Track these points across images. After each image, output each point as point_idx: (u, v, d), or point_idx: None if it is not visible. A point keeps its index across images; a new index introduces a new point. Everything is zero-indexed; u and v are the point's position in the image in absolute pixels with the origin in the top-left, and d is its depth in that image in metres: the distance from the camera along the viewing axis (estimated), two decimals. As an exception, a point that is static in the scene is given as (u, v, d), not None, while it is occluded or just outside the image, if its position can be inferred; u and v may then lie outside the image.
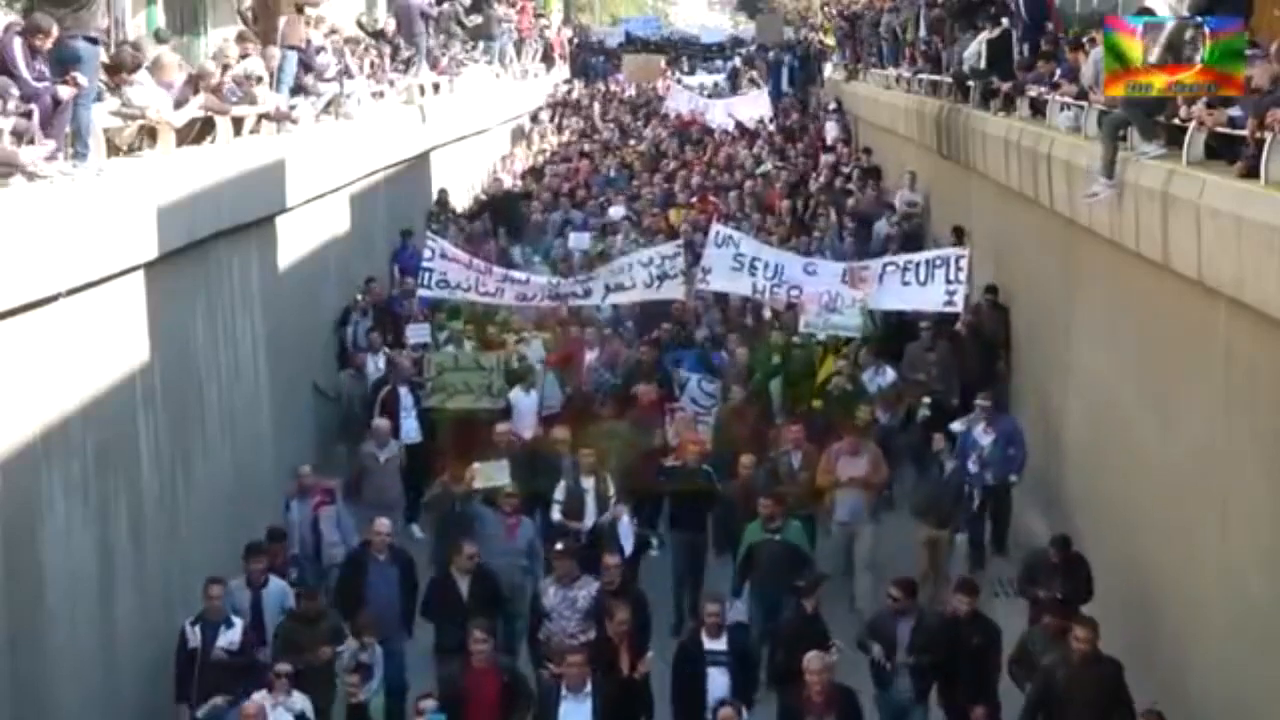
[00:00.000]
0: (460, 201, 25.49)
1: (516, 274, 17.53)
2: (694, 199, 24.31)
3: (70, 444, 10.43)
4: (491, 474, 12.83)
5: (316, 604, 11.27)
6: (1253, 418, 9.60)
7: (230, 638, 10.84)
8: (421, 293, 17.10)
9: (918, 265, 16.18)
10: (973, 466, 14.16)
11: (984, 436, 14.25)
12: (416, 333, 17.07)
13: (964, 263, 15.89)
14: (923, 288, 16.01)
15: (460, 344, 16.77)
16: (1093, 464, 13.47)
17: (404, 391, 15.48)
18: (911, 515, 13.97)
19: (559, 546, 11.51)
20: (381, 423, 14.59)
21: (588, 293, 16.98)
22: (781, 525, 12.31)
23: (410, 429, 15.29)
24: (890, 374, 16.06)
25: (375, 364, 16.70)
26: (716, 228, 17.37)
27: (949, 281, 15.82)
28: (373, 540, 11.93)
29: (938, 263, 16.08)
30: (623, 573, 11.40)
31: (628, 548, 12.46)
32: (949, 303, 15.96)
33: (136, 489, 11.55)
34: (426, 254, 16.95)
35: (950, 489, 13.79)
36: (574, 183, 26.14)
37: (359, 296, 17.91)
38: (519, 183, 27.29)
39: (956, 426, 14.65)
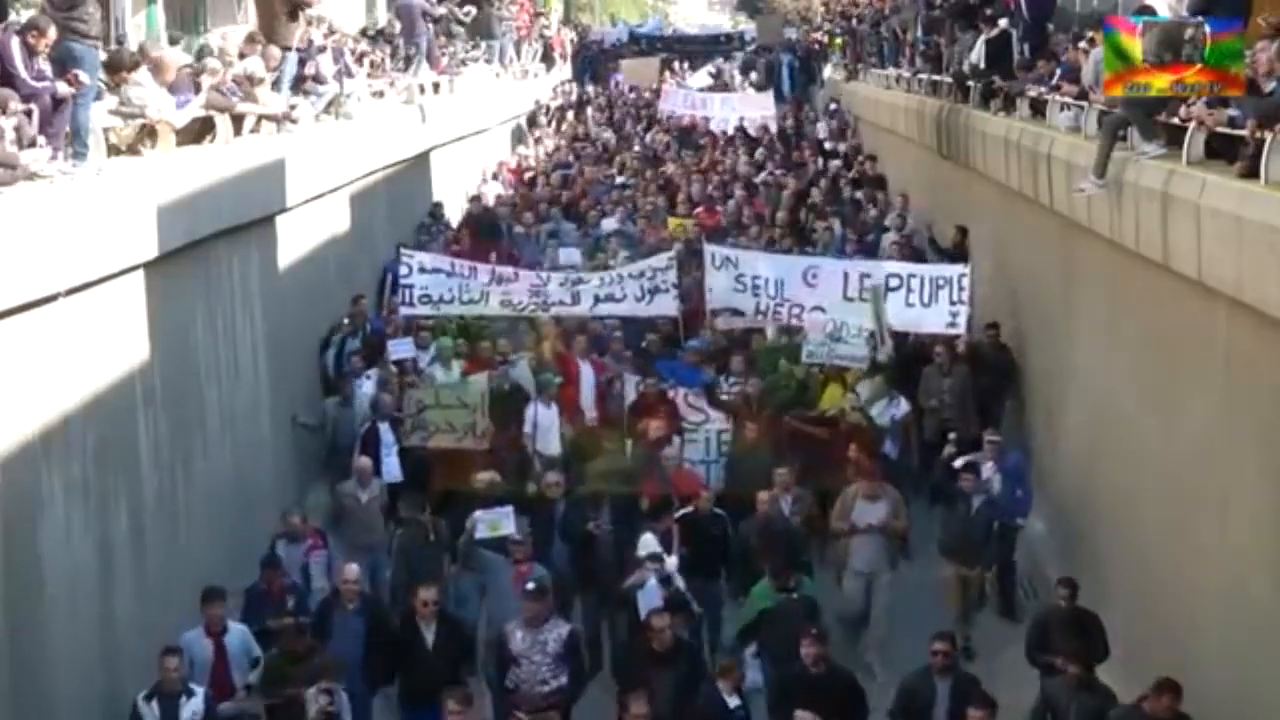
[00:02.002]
0: (455, 211, 25.14)
1: (504, 270, 16.83)
2: (695, 209, 23.29)
3: (70, 443, 10.43)
4: (496, 522, 11.85)
5: (304, 640, 10.66)
6: (1253, 418, 9.59)
7: (193, 709, 9.99)
8: (403, 310, 16.58)
9: (922, 283, 15.64)
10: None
11: (993, 475, 13.57)
12: (399, 348, 16.30)
13: (966, 281, 15.43)
14: (926, 309, 15.57)
15: (447, 363, 16.06)
16: (1092, 464, 13.46)
17: (384, 428, 14.67)
18: (940, 554, 13.26)
19: (530, 586, 10.73)
20: (364, 461, 13.83)
21: (575, 299, 16.36)
22: (796, 583, 11.59)
23: (391, 467, 14.41)
24: (904, 405, 15.33)
25: (360, 388, 15.68)
26: (711, 250, 16.81)
27: (952, 302, 15.43)
28: (341, 589, 11.35)
29: (941, 282, 15.56)
30: (674, 636, 10.57)
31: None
32: (952, 324, 15.52)
33: (136, 488, 11.55)
34: (403, 270, 16.29)
35: (979, 526, 13.06)
36: (573, 192, 25.14)
37: (345, 321, 17.03)
38: (510, 192, 26.45)
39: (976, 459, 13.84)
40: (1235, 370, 9.92)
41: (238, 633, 10.93)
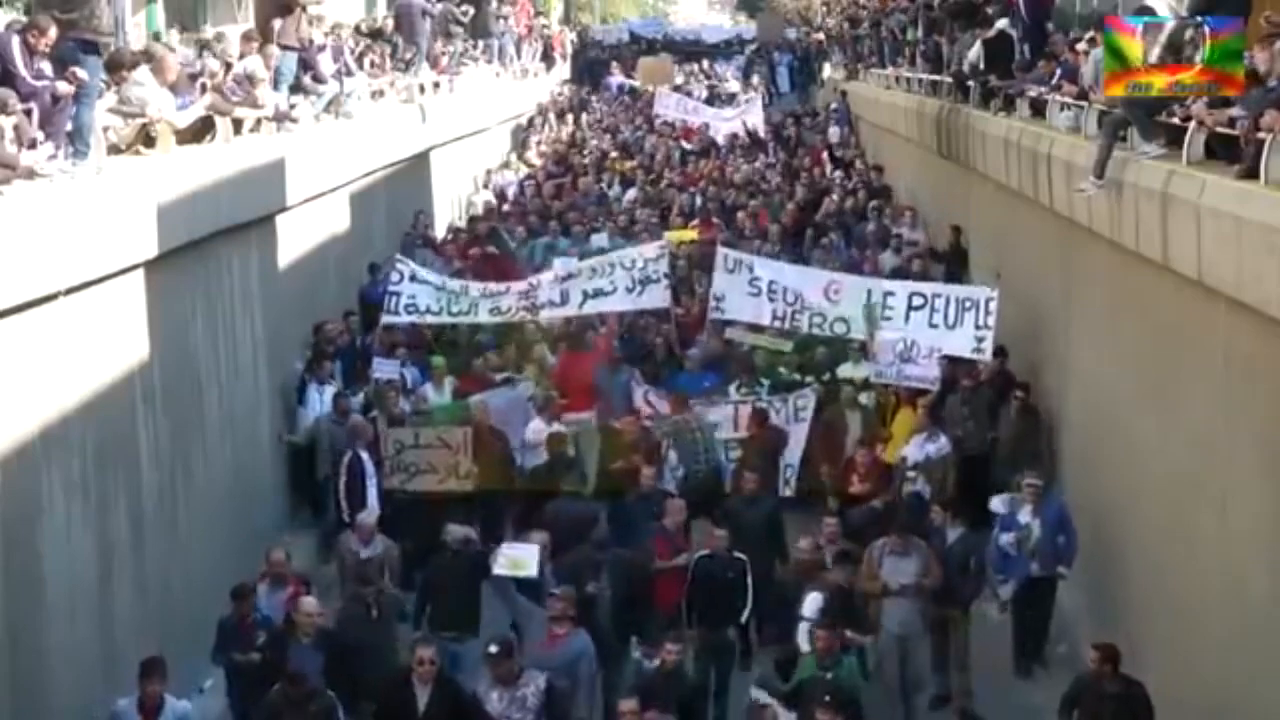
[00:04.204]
0: (446, 215, 24.96)
1: (494, 285, 16.54)
2: (697, 221, 22.56)
3: (70, 443, 10.43)
4: (519, 561, 10.79)
5: (304, 686, 9.87)
6: (1253, 417, 9.60)
7: None
8: (386, 319, 16.22)
9: (946, 303, 14.97)
10: (1011, 551, 12.45)
11: (1032, 521, 12.47)
12: (383, 368, 15.75)
13: (993, 305, 14.70)
14: (951, 330, 14.86)
15: (439, 383, 15.69)
16: (1092, 463, 13.46)
17: (366, 456, 13.95)
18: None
19: (492, 650, 9.86)
20: (367, 518, 12.71)
21: (565, 298, 16.00)
22: (837, 660, 10.38)
23: (373, 500, 13.71)
24: (944, 440, 14.22)
25: (320, 396, 15.23)
26: (724, 252, 16.24)
27: (978, 326, 14.72)
28: (298, 621, 10.72)
29: (967, 304, 14.86)
30: None
31: None
32: (977, 349, 14.82)
33: (136, 488, 11.55)
34: (395, 277, 15.97)
35: (955, 561, 12.15)
36: (564, 203, 24.24)
37: (330, 330, 16.57)
38: (498, 201, 25.98)
39: (997, 506, 12.84)
40: (1235, 370, 9.92)
41: (176, 712, 9.90)
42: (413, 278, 16.03)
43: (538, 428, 14.70)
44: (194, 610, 11.80)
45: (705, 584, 11.79)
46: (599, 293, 16.03)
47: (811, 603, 11.07)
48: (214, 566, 12.49)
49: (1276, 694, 9.16)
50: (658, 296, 16.12)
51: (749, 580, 11.79)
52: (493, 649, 9.90)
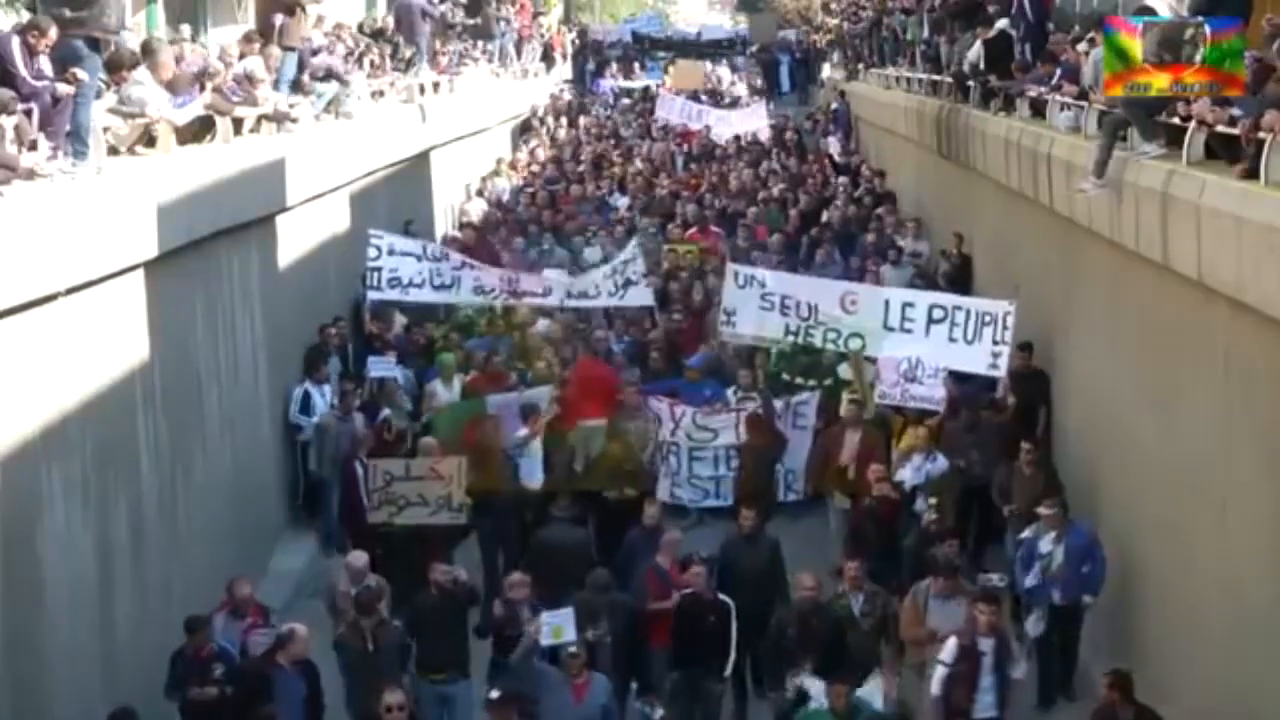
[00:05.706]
0: (445, 216, 24.97)
1: (472, 261, 16.49)
2: (694, 229, 22.12)
3: (70, 443, 10.42)
4: (560, 628, 10.39)
5: None
6: (1253, 418, 9.60)
7: None
8: (372, 295, 16.33)
9: (966, 317, 14.22)
10: (1032, 579, 12.00)
11: (1055, 549, 11.94)
12: (378, 366, 15.80)
13: (1011, 320, 13.97)
14: (969, 346, 14.13)
15: (449, 381, 15.65)
16: (1092, 464, 13.45)
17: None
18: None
19: (494, 695, 9.64)
20: (357, 557, 11.96)
21: (548, 290, 16.09)
22: (855, 710, 9.92)
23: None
24: (942, 461, 13.70)
25: (324, 399, 15.33)
26: (734, 268, 15.60)
27: (995, 342, 13.99)
28: (287, 648, 10.41)
29: (986, 318, 14.08)
30: None
31: None
32: (993, 365, 14.10)
33: (136, 489, 11.54)
34: (372, 252, 15.79)
35: None
36: (564, 213, 23.80)
37: (332, 332, 16.70)
38: (496, 209, 25.66)
39: (1027, 534, 12.33)
40: (1235, 370, 9.92)
41: None
42: (390, 250, 15.94)
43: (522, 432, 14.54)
44: (194, 611, 11.76)
45: (688, 625, 11.23)
46: (583, 294, 16.32)
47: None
48: (214, 566, 12.49)
49: (1277, 694, 9.17)
50: (640, 296, 16.34)
51: (733, 627, 11.20)
52: (494, 694, 9.68)
